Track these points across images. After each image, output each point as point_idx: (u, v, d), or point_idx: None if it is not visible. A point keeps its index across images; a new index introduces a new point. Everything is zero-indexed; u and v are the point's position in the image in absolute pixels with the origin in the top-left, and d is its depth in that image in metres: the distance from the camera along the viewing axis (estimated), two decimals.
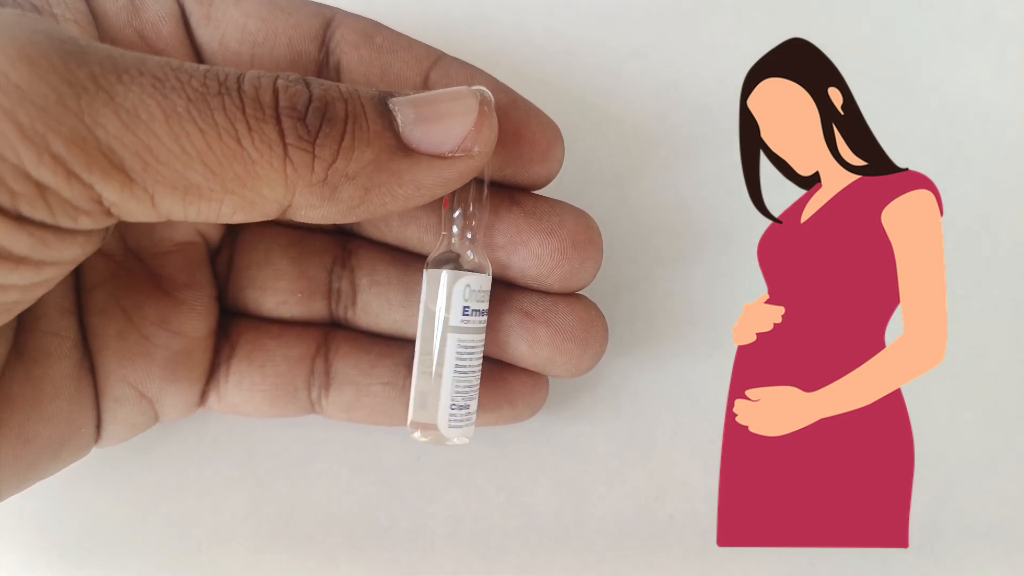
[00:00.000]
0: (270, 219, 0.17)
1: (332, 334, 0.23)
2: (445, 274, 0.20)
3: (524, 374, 0.22)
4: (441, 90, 0.18)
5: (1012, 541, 0.24)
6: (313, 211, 0.17)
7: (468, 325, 0.20)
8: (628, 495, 0.24)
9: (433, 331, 0.20)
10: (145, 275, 0.21)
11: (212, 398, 0.22)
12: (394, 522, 0.24)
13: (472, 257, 0.20)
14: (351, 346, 0.22)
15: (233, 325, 0.22)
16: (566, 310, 0.21)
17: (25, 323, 0.19)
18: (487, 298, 0.20)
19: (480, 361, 0.20)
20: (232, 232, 0.22)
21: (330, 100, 0.17)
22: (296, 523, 0.24)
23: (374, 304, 0.22)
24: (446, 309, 0.20)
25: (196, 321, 0.21)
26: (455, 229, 0.20)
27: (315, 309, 0.22)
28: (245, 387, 0.22)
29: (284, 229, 0.23)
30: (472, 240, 0.20)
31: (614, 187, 0.26)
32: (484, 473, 0.24)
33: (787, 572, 0.24)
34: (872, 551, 0.24)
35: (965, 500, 0.25)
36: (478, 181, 0.20)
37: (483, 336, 0.20)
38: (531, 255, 0.21)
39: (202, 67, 0.16)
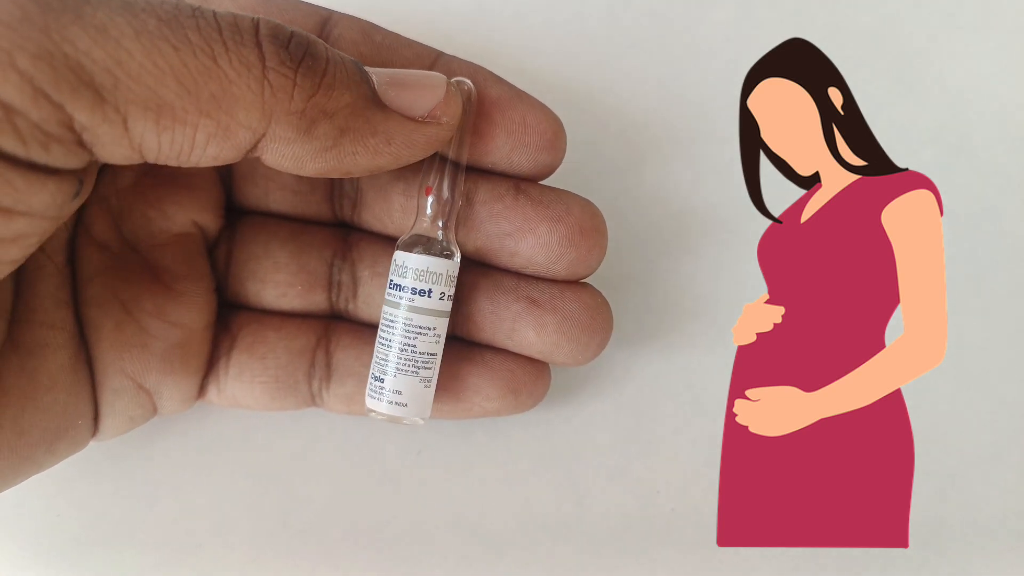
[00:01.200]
0: (242, 155, 0.17)
1: (333, 326, 0.23)
2: (396, 253, 0.20)
3: (527, 363, 0.22)
4: (412, 70, 0.19)
5: (1014, 539, 0.24)
6: (286, 147, 0.17)
7: (433, 306, 0.20)
8: (629, 490, 0.24)
9: (388, 309, 0.21)
10: (142, 267, 0.21)
11: (212, 391, 0.22)
12: (394, 517, 0.24)
13: (441, 239, 0.20)
14: (352, 338, 0.22)
15: (234, 317, 0.22)
16: (572, 297, 0.21)
17: (20, 314, 0.19)
18: (455, 283, 0.21)
19: (441, 344, 0.21)
20: (231, 225, 0.22)
21: (312, 40, 0.17)
22: (296, 519, 0.24)
23: (376, 296, 0.22)
24: (407, 290, 0.20)
25: (194, 313, 0.21)
26: (428, 212, 0.20)
27: (315, 301, 0.22)
28: (246, 379, 0.22)
29: (284, 222, 0.23)
30: (444, 227, 0.21)
31: (615, 182, 0.26)
32: (484, 468, 0.24)
33: (789, 566, 0.24)
34: (873, 550, 0.24)
35: (967, 498, 0.25)
36: (455, 166, 0.20)
37: (447, 320, 0.21)
38: (539, 242, 0.21)
39: None
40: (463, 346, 0.22)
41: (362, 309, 0.23)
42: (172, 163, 0.17)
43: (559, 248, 0.21)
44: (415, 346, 0.20)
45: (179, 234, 0.21)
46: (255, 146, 0.17)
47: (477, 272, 0.22)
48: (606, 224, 0.22)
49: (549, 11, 0.26)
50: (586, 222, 0.21)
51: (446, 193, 0.20)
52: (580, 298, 0.22)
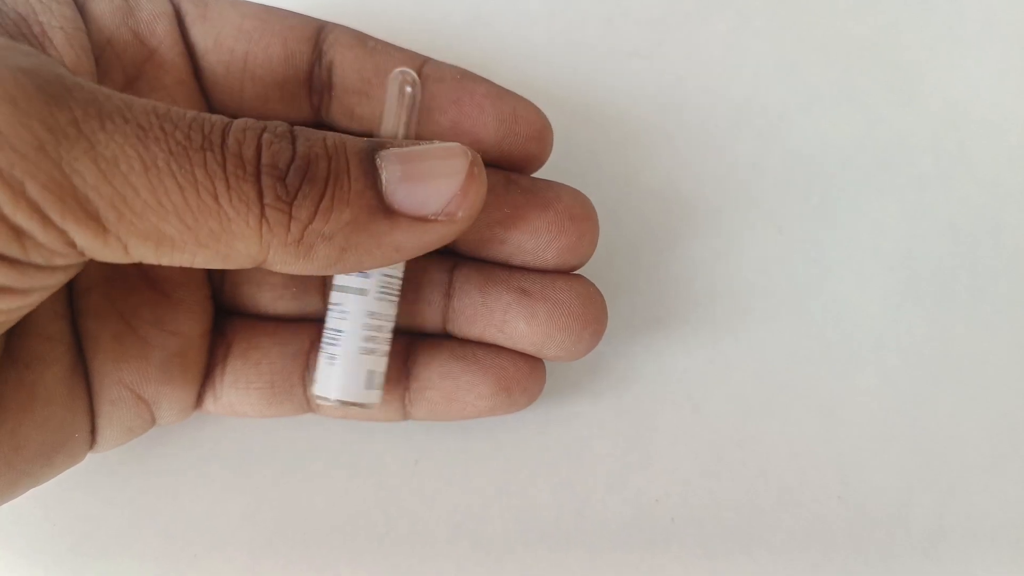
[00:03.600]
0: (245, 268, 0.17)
1: None
2: None
3: (520, 359, 0.22)
4: (434, 144, 0.18)
5: (1016, 544, 0.24)
6: (287, 267, 0.17)
7: (380, 288, 0.20)
8: (629, 499, 0.24)
9: (335, 294, 0.20)
10: (139, 277, 0.21)
11: (209, 399, 0.22)
12: (392, 525, 0.24)
13: None
14: None
15: (228, 324, 0.22)
16: (564, 287, 0.21)
17: (17, 328, 0.19)
18: (403, 265, 0.21)
19: (391, 328, 0.20)
20: None
21: (313, 158, 0.16)
22: (294, 528, 0.24)
23: None
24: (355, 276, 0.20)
25: (192, 320, 0.21)
26: None
27: (310, 303, 0.22)
28: (241, 386, 0.22)
29: None
30: None
31: (615, 190, 0.26)
32: (483, 476, 0.24)
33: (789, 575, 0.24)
34: (875, 555, 0.24)
35: (966, 508, 0.25)
36: None
37: (396, 303, 0.20)
38: (528, 228, 0.21)
39: (189, 114, 0.16)
40: (455, 344, 0.22)
41: None
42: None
43: (548, 234, 0.21)
44: (327, 323, 0.20)
45: None
46: (256, 265, 0.17)
47: (470, 267, 0.22)
48: (596, 214, 0.22)
49: (548, 20, 0.26)
50: (576, 209, 0.21)
51: None
52: (572, 287, 0.21)
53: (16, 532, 0.23)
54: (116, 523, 0.23)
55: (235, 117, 0.18)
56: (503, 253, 0.22)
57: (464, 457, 0.24)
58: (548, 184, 0.22)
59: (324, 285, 0.22)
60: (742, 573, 0.24)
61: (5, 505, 0.20)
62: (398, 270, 0.20)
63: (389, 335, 0.20)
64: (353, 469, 0.24)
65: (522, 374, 0.22)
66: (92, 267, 0.20)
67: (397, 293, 0.20)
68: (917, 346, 0.26)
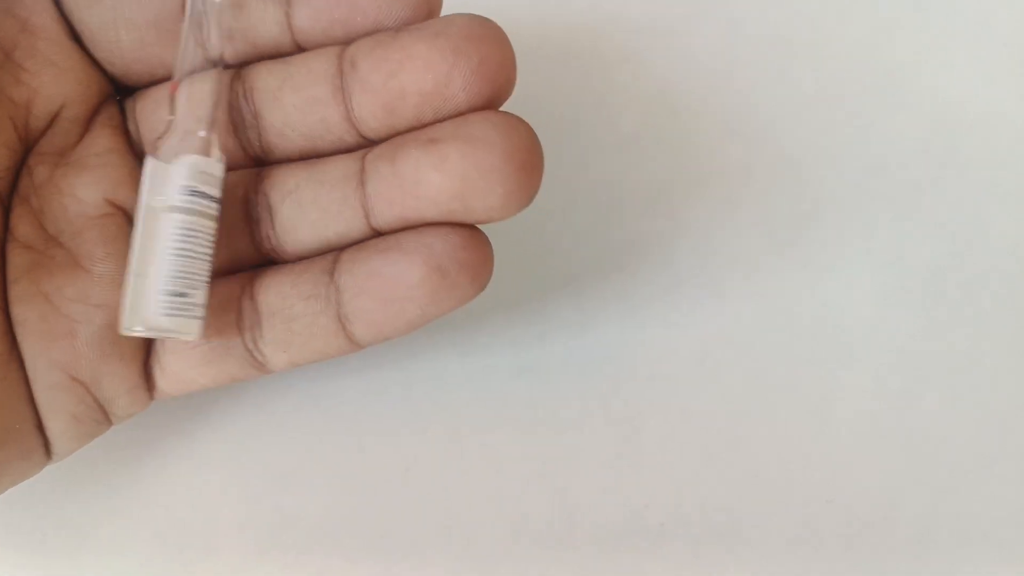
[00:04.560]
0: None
1: (257, 273, 0.21)
2: (173, 160, 0.19)
3: (450, 231, 0.19)
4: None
5: (1007, 545, 0.24)
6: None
7: (192, 206, 0.18)
8: (619, 504, 0.24)
9: (143, 220, 0.19)
10: (66, 258, 0.20)
11: (156, 373, 0.21)
12: (384, 533, 0.24)
13: (204, 136, 0.19)
14: (273, 276, 0.21)
15: None
16: (479, 121, 0.18)
17: None
18: (220, 185, 0.19)
19: (207, 251, 0.19)
20: None
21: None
22: (286, 535, 0.24)
23: (288, 216, 0.20)
24: (164, 193, 0.18)
25: (116, 291, 0.20)
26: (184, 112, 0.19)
27: (239, 249, 0.21)
28: (179, 349, 0.21)
29: None
30: (209, 125, 0.19)
31: (606, 196, 0.26)
32: (474, 483, 0.24)
33: None
34: (865, 556, 0.24)
35: (959, 504, 0.25)
36: (223, 70, 0.20)
37: (212, 225, 0.19)
38: (421, 65, 0.18)
39: None
40: (378, 241, 0.20)
41: (283, 238, 0.21)
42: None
43: (446, 63, 0.18)
44: (205, 254, 0.19)
45: (97, 217, 0.20)
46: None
47: (381, 147, 0.20)
48: (504, 33, 0.18)
49: (538, 27, 0.26)
50: (474, 29, 0.18)
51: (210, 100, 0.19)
52: (487, 119, 0.18)
53: (5, 539, 0.23)
54: (108, 531, 0.24)
55: (119, 74, 0.20)
56: (406, 109, 0.19)
57: (454, 464, 0.24)
58: (440, 18, 0.19)
59: (249, 221, 0.21)
60: None
61: (5, 505, 0.20)
62: (216, 189, 0.19)
63: (210, 260, 0.19)
64: (345, 476, 0.24)
65: (453, 247, 0.19)
66: (22, 258, 0.20)
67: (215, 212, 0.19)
68: (908, 348, 0.26)
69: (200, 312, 0.19)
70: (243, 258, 0.21)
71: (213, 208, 0.19)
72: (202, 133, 0.19)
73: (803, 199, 0.26)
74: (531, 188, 0.18)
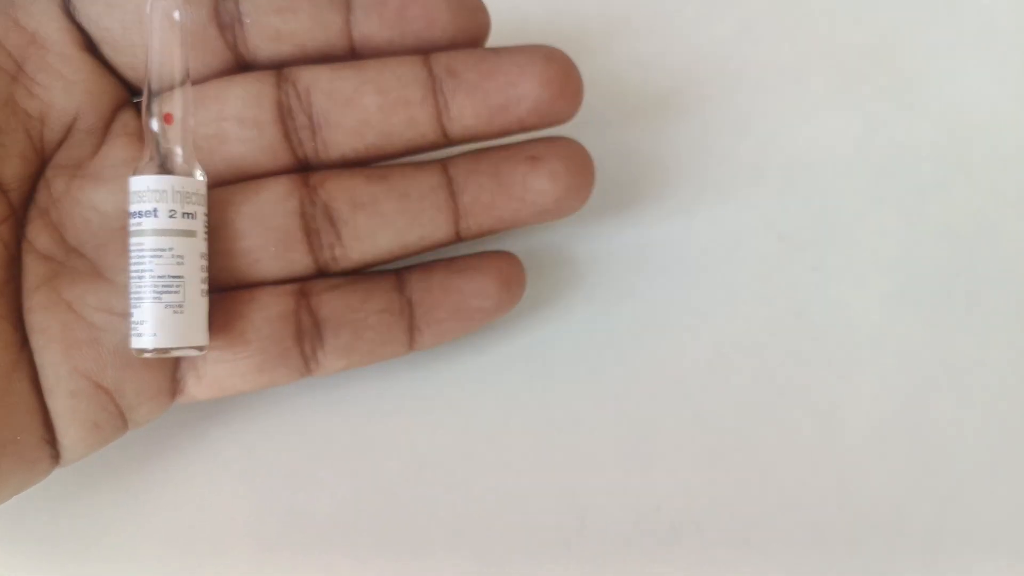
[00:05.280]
0: None
1: (310, 285, 0.22)
2: (154, 178, 0.19)
3: (503, 256, 0.23)
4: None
5: (1015, 548, 0.24)
6: None
7: (130, 228, 0.20)
8: (629, 505, 0.24)
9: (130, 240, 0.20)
10: (88, 268, 0.20)
11: (190, 379, 0.21)
12: (394, 532, 0.24)
13: (181, 161, 0.20)
14: (334, 290, 0.22)
15: None
16: (567, 143, 0.22)
17: None
18: (164, 198, 0.19)
19: (151, 266, 0.19)
20: None
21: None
22: (296, 534, 0.24)
23: (365, 225, 0.21)
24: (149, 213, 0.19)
25: None
26: (161, 139, 0.20)
27: (295, 260, 0.21)
28: (227, 359, 0.21)
29: (232, 188, 0.21)
30: (183, 143, 0.20)
31: (615, 193, 0.26)
32: (484, 483, 0.24)
33: None
34: (874, 559, 0.24)
35: (968, 507, 0.25)
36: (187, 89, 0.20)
37: (189, 241, 0.20)
38: (537, 82, 0.21)
39: None
40: (450, 262, 0.23)
41: (353, 249, 0.22)
42: None
43: (556, 81, 0.21)
44: (153, 270, 0.19)
45: (120, 229, 0.20)
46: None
47: (462, 160, 0.22)
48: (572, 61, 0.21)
49: (549, 25, 0.26)
50: (566, 60, 0.21)
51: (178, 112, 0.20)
52: (571, 142, 0.22)
53: (15, 539, 0.23)
54: (118, 531, 0.24)
55: (139, 79, 0.20)
56: (509, 122, 0.21)
57: (466, 465, 0.24)
58: (533, 45, 0.21)
59: (308, 233, 0.21)
60: None
61: (5, 505, 0.20)
62: (203, 206, 0.20)
63: (206, 274, 0.20)
64: (355, 475, 0.24)
65: (512, 265, 0.23)
66: (40, 267, 0.20)
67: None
68: (916, 350, 0.26)
69: (138, 327, 0.19)
70: (300, 268, 0.22)
71: (191, 225, 0.20)
72: (178, 149, 0.20)
73: (812, 201, 0.26)
74: (589, 195, 0.23)
